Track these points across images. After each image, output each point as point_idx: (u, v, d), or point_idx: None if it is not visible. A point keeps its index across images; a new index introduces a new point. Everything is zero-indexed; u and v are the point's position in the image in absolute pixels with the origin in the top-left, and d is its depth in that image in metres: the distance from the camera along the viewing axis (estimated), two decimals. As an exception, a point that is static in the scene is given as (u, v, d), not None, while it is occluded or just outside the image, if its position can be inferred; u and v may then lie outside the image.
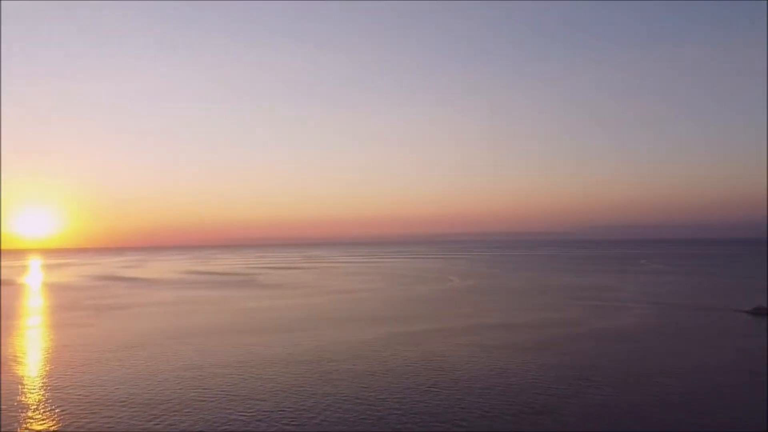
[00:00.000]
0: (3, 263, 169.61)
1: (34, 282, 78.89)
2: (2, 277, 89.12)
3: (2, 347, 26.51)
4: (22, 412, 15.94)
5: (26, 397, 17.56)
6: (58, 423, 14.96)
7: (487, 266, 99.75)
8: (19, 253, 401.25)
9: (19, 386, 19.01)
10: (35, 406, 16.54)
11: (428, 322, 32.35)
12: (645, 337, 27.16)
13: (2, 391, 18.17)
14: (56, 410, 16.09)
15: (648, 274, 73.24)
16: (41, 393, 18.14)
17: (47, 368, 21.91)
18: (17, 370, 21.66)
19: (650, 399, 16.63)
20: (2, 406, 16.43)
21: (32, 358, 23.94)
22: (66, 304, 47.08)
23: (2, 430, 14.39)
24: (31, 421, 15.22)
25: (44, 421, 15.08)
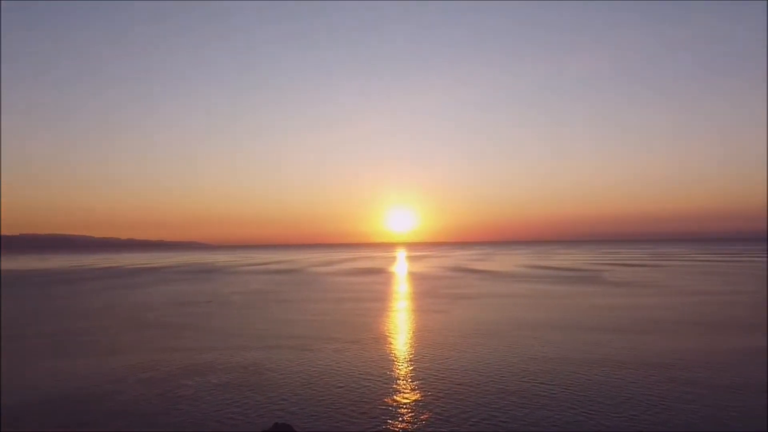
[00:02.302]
0: (378, 254, 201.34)
1: (400, 270, 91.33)
2: (377, 266, 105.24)
3: (359, 326, 31.22)
4: (388, 383, 18.53)
5: (393, 371, 20.33)
6: (418, 394, 16.89)
7: None
8: (390, 245, 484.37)
9: (388, 360, 22.15)
10: (402, 378, 19.04)
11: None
12: None
13: (375, 361, 21.46)
14: (416, 383, 18.20)
15: None
16: (405, 366, 20.80)
17: (409, 346, 25.03)
18: (388, 346, 25.27)
19: None
20: (379, 375, 19.41)
21: (399, 337, 27.65)
22: (425, 291, 53.01)
23: (377, 394, 16.96)
24: (395, 391, 17.55)
25: (407, 393, 17.20)
